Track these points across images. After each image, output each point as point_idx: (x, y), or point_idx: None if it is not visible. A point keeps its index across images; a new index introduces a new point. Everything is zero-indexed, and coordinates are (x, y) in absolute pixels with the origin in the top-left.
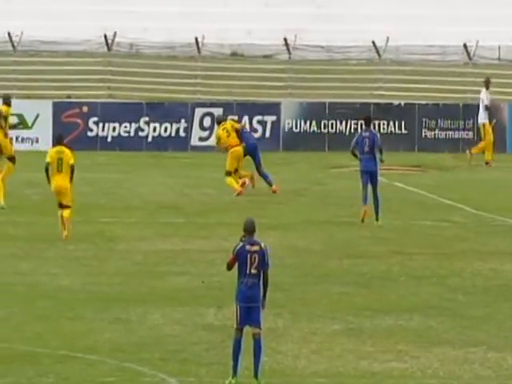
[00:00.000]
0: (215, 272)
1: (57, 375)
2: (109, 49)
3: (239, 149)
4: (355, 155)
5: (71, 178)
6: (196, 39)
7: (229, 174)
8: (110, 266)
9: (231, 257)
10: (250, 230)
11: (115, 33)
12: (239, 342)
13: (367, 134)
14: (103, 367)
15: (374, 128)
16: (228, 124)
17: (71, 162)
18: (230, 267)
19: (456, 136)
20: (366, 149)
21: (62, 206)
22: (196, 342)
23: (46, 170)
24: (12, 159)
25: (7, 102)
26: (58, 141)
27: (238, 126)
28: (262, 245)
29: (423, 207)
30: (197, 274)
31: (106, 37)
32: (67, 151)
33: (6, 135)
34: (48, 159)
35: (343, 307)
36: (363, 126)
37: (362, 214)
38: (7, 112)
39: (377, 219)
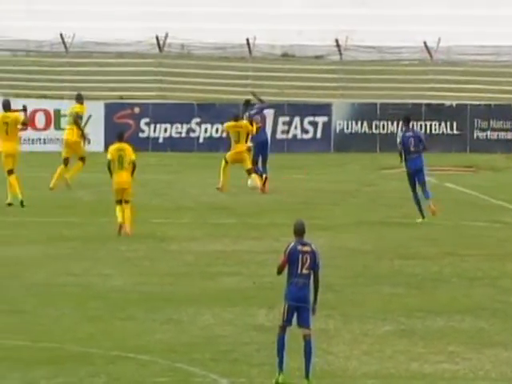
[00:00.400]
0: (266, 273)
1: (108, 375)
2: (160, 50)
3: (239, 152)
4: (401, 155)
5: (132, 174)
6: (247, 40)
7: (250, 171)
8: (161, 266)
9: (282, 258)
10: (299, 231)
11: (167, 34)
12: (283, 339)
13: (410, 133)
14: (155, 367)
15: (418, 128)
16: (243, 128)
17: (132, 157)
18: (280, 270)
19: (508, 137)
20: (412, 148)
21: (120, 203)
22: (247, 342)
23: (109, 167)
24: (82, 159)
25: (81, 102)
26: (118, 138)
27: (251, 129)
28: (313, 246)
29: (475, 208)
30: (248, 274)
31: (157, 38)
32: (128, 148)
33: (82, 136)
34: (109, 156)
35: (394, 308)
36: (404, 127)
37: (430, 210)
38: (82, 111)
39: (426, 196)
